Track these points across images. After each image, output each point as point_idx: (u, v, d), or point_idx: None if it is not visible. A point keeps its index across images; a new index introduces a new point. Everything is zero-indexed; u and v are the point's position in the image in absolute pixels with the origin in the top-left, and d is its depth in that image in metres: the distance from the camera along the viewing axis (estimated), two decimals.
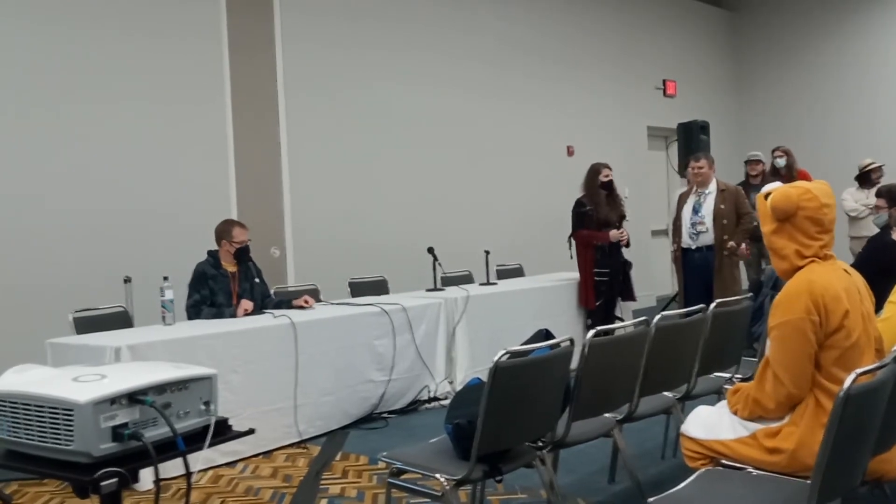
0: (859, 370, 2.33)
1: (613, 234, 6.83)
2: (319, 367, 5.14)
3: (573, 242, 6.98)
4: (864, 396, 2.37)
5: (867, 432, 2.50)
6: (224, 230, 5.43)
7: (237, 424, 2.23)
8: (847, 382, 2.28)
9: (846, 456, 2.43)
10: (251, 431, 2.17)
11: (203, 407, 2.11)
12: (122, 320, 5.20)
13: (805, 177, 7.90)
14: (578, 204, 6.94)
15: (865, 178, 8.14)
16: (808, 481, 2.30)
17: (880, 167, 8.16)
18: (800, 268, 2.74)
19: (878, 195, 5.96)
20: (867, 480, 2.64)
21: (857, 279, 2.80)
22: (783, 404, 2.68)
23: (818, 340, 2.63)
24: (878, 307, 3.38)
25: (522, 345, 3.11)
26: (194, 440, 2.10)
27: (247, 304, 5.31)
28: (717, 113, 11.65)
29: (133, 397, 1.95)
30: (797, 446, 2.62)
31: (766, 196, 2.81)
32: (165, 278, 4.96)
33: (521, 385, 2.95)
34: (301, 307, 5.50)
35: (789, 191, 2.75)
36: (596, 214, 6.84)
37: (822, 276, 2.68)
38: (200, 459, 4.25)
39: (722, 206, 6.76)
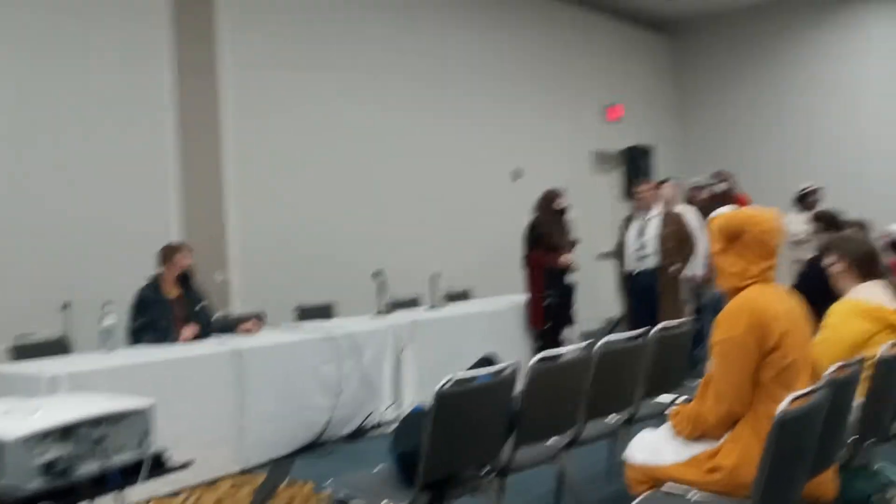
0: (794, 394, 2.39)
1: (564, 258, 6.94)
2: (264, 393, 5.07)
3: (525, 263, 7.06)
4: (799, 419, 2.42)
5: (803, 454, 2.55)
6: (167, 254, 5.35)
7: (178, 454, 2.20)
8: (783, 405, 2.33)
9: (783, 477, 2.47)
10: (187, 465, 2.13)
11: (139, 439, 2.07)
12: (61, 347, 5.07)
13: (744, 202, 8.07)
14: (533, 226, 7.03)
15: (803, 202, 8.27)
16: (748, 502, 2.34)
17: (816, 190, 8.29)
18: (742, 288, 2.82)
19: (815, 219, 6.12)
20: (803, 502, 2.70)
21: (796, 304, 2.89)
22: (724, 420, 2.74)
23: (757, 358, 2.70)
24: (813, 331, 3.46)
25: (466, 371, 3.11)
26: (131, 473, 2.06)
27: (190, 330, 5.23)
28: (662, 137, 11.86)
29: (66, 432, 1.90)
30: (736, 464, 2.67)
31: (717, 217, 2.92)
32: (106, 303, 4.86)
33: (465, 412, 2.95)
34: (246, 333, 5.43)
35: (739, 213, 2.91)
36: (549, 238, 6.93)
37: (763, 295, 2.77)
38: (142, 490, 4.17)
39: (665, 230, 6.87)
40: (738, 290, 2.83)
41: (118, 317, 4.98)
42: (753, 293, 2.78)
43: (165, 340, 5.11)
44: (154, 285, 5.31)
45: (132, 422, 2.07)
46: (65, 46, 6.24)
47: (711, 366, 2.80)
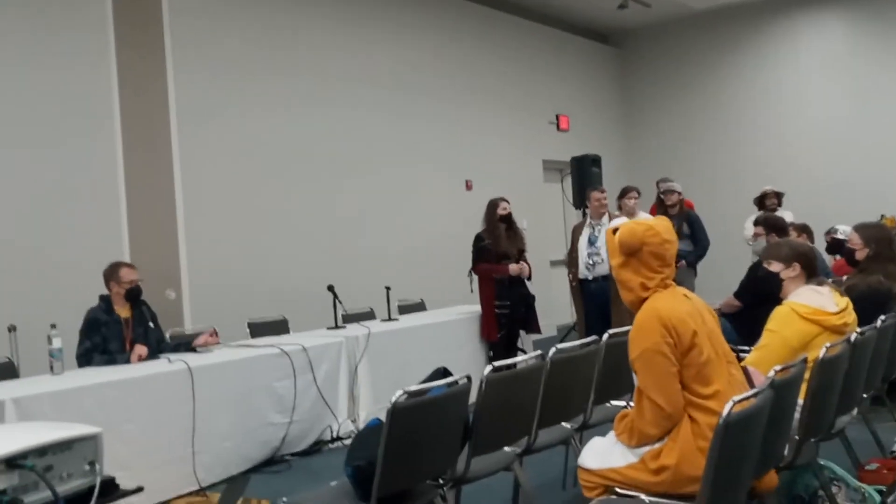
0: (737, 398, 2.45)
1: (513, 267, 6.91)
2: (218, 411, 5.02)
3: (474, 276, 7.06)
4: (742, 422, 2.48)
5: (748, 455, 2.62)
6: (110, 272, 5.29)
7: (131, 476, 2.18)
8: (726, 409, 2.39)
9: (729, 479, 2.54)
10: (139, 490, 2.11)
11: (88, 467, 2.05)
12: (7, 371, 4.97)
13: (690, 206, 8.19)
14: (478, 238, 7.02)
15: (762, 204, 8.32)
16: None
17: (775, 194, 8.33)
18: (644, 299, 2.89)
19: (756, 223, 6.26)
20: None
21: (697, 302, 2.96)
22: (664, 427, 2.80)
23: (677, 360, 2.76)
24: (757, 334, 3.55)
25: (421, 383, 3.13)
26: (80, 501, 2.03)
27: (141, 350, 5.16)
28: (608, 146, 12.04)
29: (11, 462, 1.87)
30: (678, 461, 2.74)
31: (615, 231, 2.97)
32: (53, 326, 4.78)
33: (420, 424, 2.97)
34: (205, 345, 5.40)
35: (634, 227, 2.93)
36: (495, 248, 6.92)
37: (666, 302, 2.84)
38: None
39: None
40: (642, 301, 2.90)
41: (67, 339, 4.90)
42: (656, 302, 2.85)
43: (116, 361, 5.04)
44: (104, 305, 5.24)
45: (80, 449, 2.04)
46: (6, 56, 6.12)
47: (638, 379, 2.85)
